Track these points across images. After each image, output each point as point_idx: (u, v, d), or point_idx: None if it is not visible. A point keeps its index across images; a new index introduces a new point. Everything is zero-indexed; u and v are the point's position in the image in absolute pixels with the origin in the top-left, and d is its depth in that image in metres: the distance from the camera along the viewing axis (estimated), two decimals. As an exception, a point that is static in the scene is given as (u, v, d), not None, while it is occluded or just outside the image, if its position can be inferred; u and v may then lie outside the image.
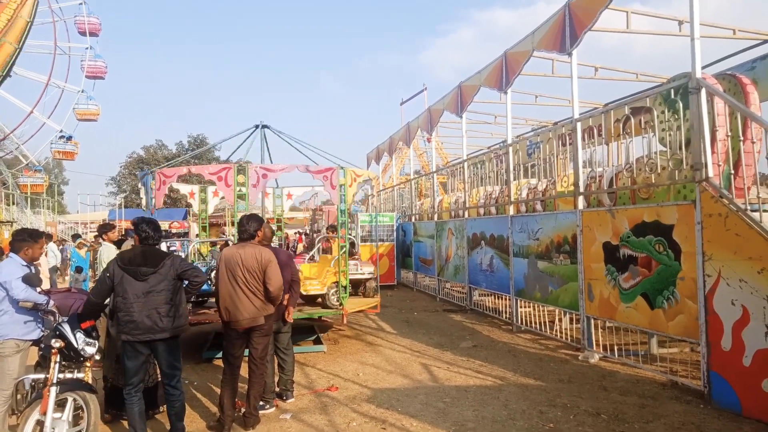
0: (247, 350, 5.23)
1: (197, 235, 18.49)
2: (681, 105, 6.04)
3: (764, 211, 5.04)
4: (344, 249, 8.46)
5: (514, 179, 10.24)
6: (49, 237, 16.83)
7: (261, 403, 5.46)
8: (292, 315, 5.93)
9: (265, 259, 5.06)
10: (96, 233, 7.35)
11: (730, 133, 5.81)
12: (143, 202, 9.03)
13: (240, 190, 7.83)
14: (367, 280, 10.10)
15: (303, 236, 28.68)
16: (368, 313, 10.36)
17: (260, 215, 6.23)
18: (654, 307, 6.19)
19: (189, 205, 37.08)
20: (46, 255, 13.77)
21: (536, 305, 9.34)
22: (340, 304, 8.42)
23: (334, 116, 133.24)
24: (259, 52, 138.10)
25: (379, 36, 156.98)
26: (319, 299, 8.84)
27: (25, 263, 4.77)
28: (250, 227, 5.22)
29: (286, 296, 5.74)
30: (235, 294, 4.97)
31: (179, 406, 4.67)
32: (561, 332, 8.55)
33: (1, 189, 33.44)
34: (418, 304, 13.17)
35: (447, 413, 5.35)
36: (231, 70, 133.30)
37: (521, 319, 9.46)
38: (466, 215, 12.17)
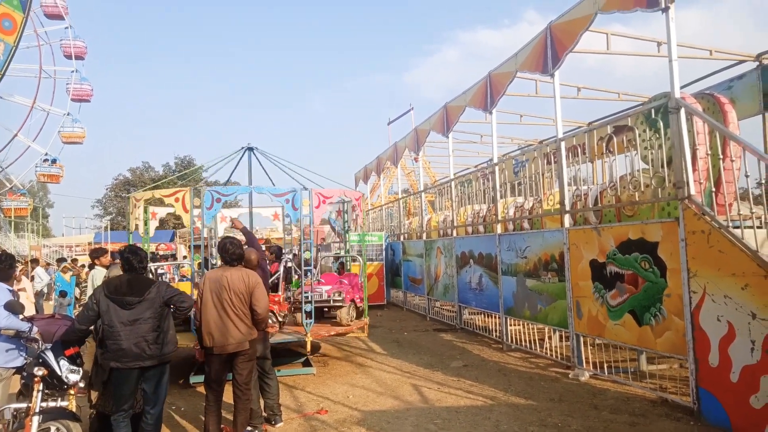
0: (230, 376, 5.14)
1: (185, 257, 18.31)
2: (662, 124, 6.16)
3: (746, 227, 5.13)
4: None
5: (501, 198, 10.33)
6: (35, 261, 16.58)
7: (249, 428, 5.37)
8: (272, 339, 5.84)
9: (252, 281, 5.04)
10: (89, 257, 7.31)
11: (710, 151, 5.92)
12: (140, 228, 9.10)
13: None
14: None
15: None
16: (358, 335, 10.27)
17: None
18: (642, 323, 6.22)
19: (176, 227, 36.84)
20: (32, 280, 13.56)
21: (526, 323, 9.34)
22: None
23: (320, 136, 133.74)
24: (245, 72, 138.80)
25: (365, 56, 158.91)
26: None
27: (11, 289, 4.71)
28: (237, 251, 5.19)
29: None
30: (222, 319, 4.91)
31: None
32: (551, 350, 8.55)
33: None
34: (408, 323, 13.12)
35: (438, 435, 5.30)
36: (217, 90, 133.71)
37: (511, 338, 9.45)
38: (455, 234, 12.21)
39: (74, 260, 18.74)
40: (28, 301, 11.55)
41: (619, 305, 6.59)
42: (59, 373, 4.29)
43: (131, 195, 8.77)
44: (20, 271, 12.77)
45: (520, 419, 5.67)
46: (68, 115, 40.77)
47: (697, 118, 5.90)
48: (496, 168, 10.21)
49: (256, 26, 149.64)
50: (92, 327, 4.76)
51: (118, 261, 6.42)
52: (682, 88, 6.18)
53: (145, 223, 9.56)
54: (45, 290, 16.68)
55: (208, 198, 7.65)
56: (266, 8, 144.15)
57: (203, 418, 5.16)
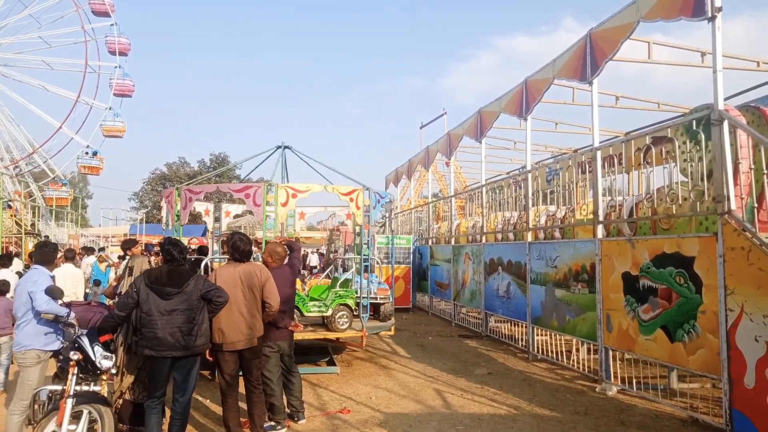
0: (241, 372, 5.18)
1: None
2: (703, 136, 5.99)
3: (789, 245, 4.95)
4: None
5: (533, 205, 10.21)
6: (89, 250, 17.23)
7: (272, 423, 5.45)
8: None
9: (264, 275, 5.10)
10: (121, 248, 7.54)
11: (753, 166, 5.74)
12: (163, 219, 9.24)
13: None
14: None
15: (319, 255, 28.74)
16: (383, 337, 10.29)
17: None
18: (674, 340, 6.06)
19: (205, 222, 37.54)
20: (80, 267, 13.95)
21: (553, 334, 9.20)
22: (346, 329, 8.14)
23: (353, 137, 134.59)
24: (281, 72, 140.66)
25: (400, 59, 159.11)
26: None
27: (52, 275, 4.89)
28: (247, 247, 5.23)
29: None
30: (233, 314, 4.92)
31: (181, 423, 4.68)
32: (578, 362, 8.40)
33: (28, 201, 34.22)
34: (433, 328, 13.07)
35: (460, 441, 5.27)
36: (253, 90, 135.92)
37: (537, 348, 9.32)
38: (484, 240, 12.12)
39: (102, 249, 19.28)
40: (71, 287, 11.94)
41: (651, 320, 6.43)
42: (93, 358, 4.43)
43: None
44: (59, 258, 13.19)
45: (544, 430, 5.59)
46: (110, 109, 42.14)
47: (740, 131, 5.73)
48: (529, 175, 10.10)
49: (292, 28, 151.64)
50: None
51: (146, 253, 6.62)
52: (725, 99, 5.99)
53: (217, 220, 9.76)
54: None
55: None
56: (305, 12, 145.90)
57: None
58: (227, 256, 5.48)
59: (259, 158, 9.88)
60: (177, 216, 8.57)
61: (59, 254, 5.38)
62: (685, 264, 5.93)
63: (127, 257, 7.52)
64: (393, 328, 9.46)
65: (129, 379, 5.28)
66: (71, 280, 8.44)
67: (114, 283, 6.30)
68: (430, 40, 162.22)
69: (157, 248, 11.13)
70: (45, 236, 27.70)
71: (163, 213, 9.81)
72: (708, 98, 5.91)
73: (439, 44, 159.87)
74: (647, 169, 7.15)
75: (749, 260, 5.09)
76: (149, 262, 6.06)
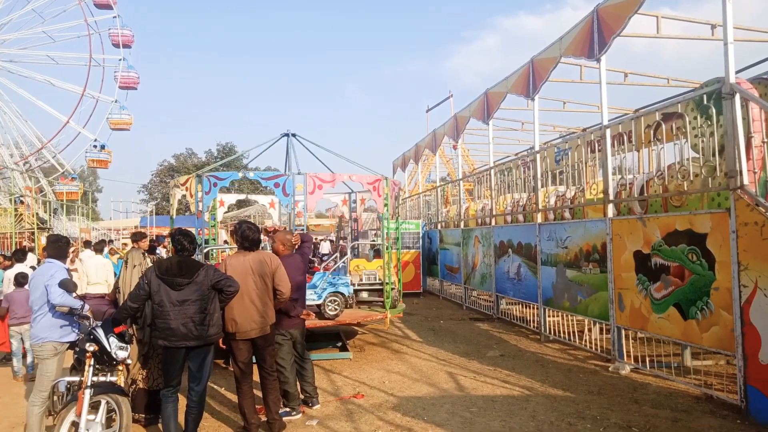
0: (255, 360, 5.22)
1: (225, 241, 18.78)
2: (714, 111, 5.90)
3: (803, 219, 4.88)
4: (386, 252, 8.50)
5: (542, 186, 10.13)
6: (88, 244, 17.42)
7: (287, 409, 5.51)
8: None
9: (274, 263, 5.10)
10: (130, 240, 7.63)
11: (766, 140, 5.64)
12: (192, 207, 9.43)
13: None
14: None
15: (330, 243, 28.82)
16: (394, 321, 10.29)
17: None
18: (687, 317, 6.03)
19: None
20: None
21: (565, 314, 9.19)
22: (335, 316, 8.09)
23: (359, 124, 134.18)
24: (285, 60, 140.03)
25: (404, 43, 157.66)
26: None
27: (67, 268, 4.94)
28: (255, 236, 5.22)
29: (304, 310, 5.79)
30: (245, 303, 4.94)
31: (197, 412, 4.75)
32: (590, 342, 8.39)
33: (39, 197, 34.55)
34: (444, 312, 13.10)
35: (473, 423, 5.31)
36: (258, 79, 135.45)
37: (549, 329, 9.32)
38: (493, 223, 12.08)
39: (110, 241, 19.49)
40: (79, 281, 12.13)
41: (664, 298, 6.39)
42: (109, 349, 4.48)
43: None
44: (73, 252, 13.39)
45: (558, 410, 5.60)
46: (116, 102, 42.22)
47: (752, 104, 5.62)
48: (538, 156, 10.01)
49: (295, 17, 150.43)
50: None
51: (135, 246, 6.70)
52: (737, 72, 5.88)
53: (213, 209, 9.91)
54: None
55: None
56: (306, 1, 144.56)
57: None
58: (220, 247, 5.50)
59: (266, 145, 9.89)
60: (200, 204, 8.43)
61: (73, 248, 5.46)
62: (698, 241, 5.88)
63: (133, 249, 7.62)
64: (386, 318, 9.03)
65: (137, 367, 5.35)
66: (102, 270, 8.86)
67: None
68: (433, 22, 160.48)
69: (167, 241, 11.21)
70: (48, 229, 27.91)
71: (173, 202, 9.91)
72: (719, 72, 5.80)
73: (442, 27, 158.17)
74: (658, 146, 7.05)
75: (763, 235, 5.03)
76: (143, 254, 6.09)
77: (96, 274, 8.66)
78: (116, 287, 5.76)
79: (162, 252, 14.34)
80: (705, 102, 6.08)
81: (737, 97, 5.50)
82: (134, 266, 5.66)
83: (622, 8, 7.01)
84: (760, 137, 5.68)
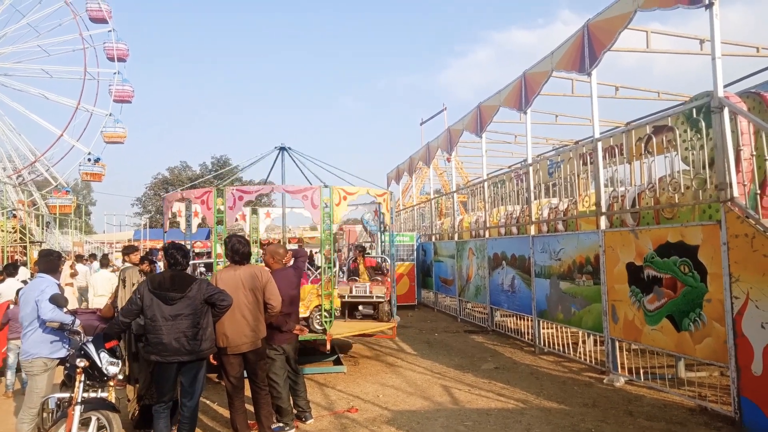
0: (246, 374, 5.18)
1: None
2: (704, 124, 5.97)
3: (793, 231, 4.92)
4: (332, 270, 8.09)
5: (535, 199, 10.18)
6: (93, 257, 17.39)
7: (281, 425, 5.46)
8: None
9: (264, 277, 5.08)
10: (122, 254, 7.64)
11: (755, 152, 5.71)
12: (182, 225, 9.49)
13: (219, 212, 7.76)
14: (379, 303, 9.37)
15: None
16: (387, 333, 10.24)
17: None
18: (680, 329, 6.05)
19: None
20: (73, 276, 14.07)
21: (559, 326, 9.19)
22: (323, 330, 7.91)
23: (353, 135, 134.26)
24: (279, 74, 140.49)
25: (397, 56, 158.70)
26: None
27: (58, 283, 4.91)
28: (246, 249, 5.19)
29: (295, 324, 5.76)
30: (236, 318, 4.91)
31: (189, 427, 4.70)
32: (585, 354, 8.38)
33: (32, 210, 34.35)
34: (438, 324, 13.07)
35: (468, 437, 5.27)
36: (252, 92, 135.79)
37: (544, 341, 9.31)
38: (487, 235, 12.11)
39: (92, 255, 19.43)
40: (72, 296, 12.08)
41: (657, 310, 6.41)
42: (100, 365, 4.43)
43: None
44: (70, 265, 13.32)
45: (552, 423, 5.58)
46: (110, 115, 42.19)
47: (741, 117, 5.69)
48: (530, 169, 10.07)
49: (288, 30, 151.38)
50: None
51: (141, 263, 6.64)
52: (725, 86, 5.96)
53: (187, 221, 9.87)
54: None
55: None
56: (299, 11, 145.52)
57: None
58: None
59: (260, 159, 9.91)
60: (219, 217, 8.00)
61: (67, 261, 5.45)
62: (690, 253, 5.91)
63: (124, 265, 7.60)
64: (390, 330, 9.26)
65: (143, 384, 5.30)
66: (108, 283, 9.11)
67: (110, 300, 6.34)
68: (426, 36, 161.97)
69: (160, 255, 11.17)
70: (38, 242, 27.70)
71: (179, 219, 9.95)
72: (708, 86, 5.88)
73: (436, 40, 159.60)
74: (649, 158, 7.12)
75: (753, 247, 5.07)
76: (140, 272, 6.07)
77: (102, 287, 8.93)
78: (114, 306, 5.71)
79: (161, 265, 14.28)
80: (695, 115, 6.15)
81: (726, 110, 5.57)
82: (132, 284, 5.64)
83: (611, 23, 7.11)
84: (749, 150, 5.74)
